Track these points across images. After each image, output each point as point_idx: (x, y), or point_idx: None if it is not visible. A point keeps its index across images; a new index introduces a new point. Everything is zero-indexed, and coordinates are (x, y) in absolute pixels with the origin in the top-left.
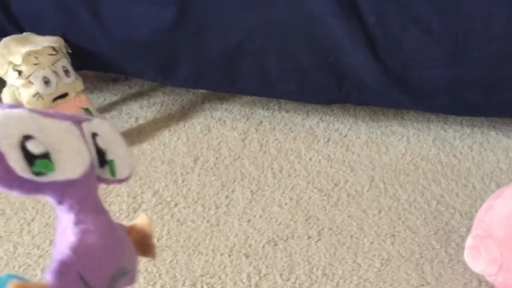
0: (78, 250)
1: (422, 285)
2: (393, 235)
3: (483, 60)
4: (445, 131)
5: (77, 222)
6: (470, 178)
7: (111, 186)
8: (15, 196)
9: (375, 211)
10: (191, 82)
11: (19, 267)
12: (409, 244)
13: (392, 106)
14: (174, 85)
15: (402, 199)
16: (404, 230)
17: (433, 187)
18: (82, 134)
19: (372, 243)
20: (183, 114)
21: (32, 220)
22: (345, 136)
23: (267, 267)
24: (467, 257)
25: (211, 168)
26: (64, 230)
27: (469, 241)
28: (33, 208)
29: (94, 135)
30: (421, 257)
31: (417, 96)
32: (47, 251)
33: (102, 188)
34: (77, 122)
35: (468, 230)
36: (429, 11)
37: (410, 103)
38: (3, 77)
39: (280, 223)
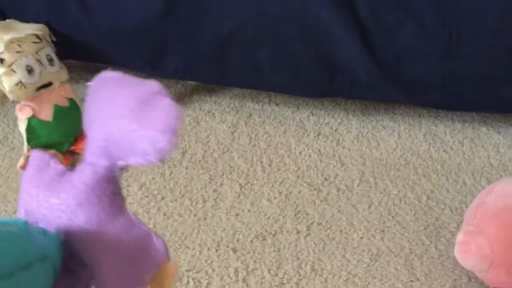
0: None
1: (412, 280)
2: (383, 230)
3: (477, 55)
4: (436, 126)
5: None
6: (460, 174)
7: None
8: None
9: (365, 206)
10: (180, 73)
11: None
12: (399, 240)
13: (384, 100)
14: (163, 76)
15: (392, 194)
16: (394, 225)
17: (423, 182)
18: None
19: (361, 238)
20: None
21: (14, 212)
22: (335, 130)
23: (255, 262)
24: (458, 253)
25: (199, 161)
26: None
27: (459, 237)
28: (15, 200)
29: None
30: (411, 252)
31: (410, 91)
32: None
33: None
34: None
35: (458, 225)
36: (423, 4)
37: (402, 98)
38: None
39: (268, 218)
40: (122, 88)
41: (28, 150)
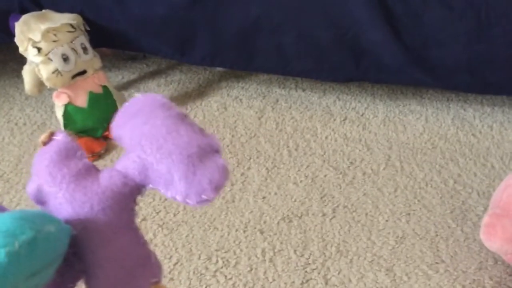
0: None
1: (437, 263)
2: (409, 214)
3: (506, 37)
4: (464, 110)
5: None
6: (489, 158)
7: None
8: None
9: (390, 189)
10: (208, 60)
11: None
12: (425, 223)
13: (411, 84)
14: (192, 63)
15: (418, 178)
16: (420, 208)
17: (450, 166)
18: None
19: (387, 221)
20: (200, 92)
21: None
22: (362, 115)
23: (281, 243)
24: (483, 235)
25: (227, 146)
26: None
27: (485, 219)
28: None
29: None
30: (437, 235)
31: (437, 74)
32: None
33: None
34: None
35: (485, 209)
36: None
37: (429, 81)
38: (23, 54)
39: (295, 200)
40: (187, 129)
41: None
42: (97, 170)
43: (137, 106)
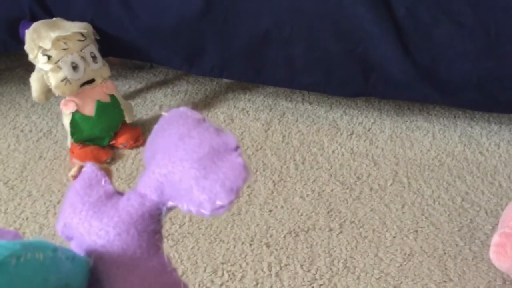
0: None
1: (445, 281)
2: (416, 231)
3: None
4: (471, 127)
5: None
6: (496, 176)
7: (134, 172)
8: (42, 178)
9: (398, 205)
10: (217, 71)
11: None
12: (432, 240)
13: (418, 100)
14: (200, 74)
15: (426, 195)
16: (428, 226)
17: (458, 183)
18: None
19: (394, 237)
20: (206, 103)
21: (58, 202)
22: (368, 130)
23: (287, 257)
24: (493, 254)
25: None
26: None
27: (495, 238)
28: (59, 191)
29: None
30: (445, 253)
31: (445, 91)
32: None
33: (125, 173)
34: None
35: (494, 228)
36: (461, 2)
37: (437, 98)
38: (32, 61)
39: (301, 214)
40: (199, 131)
41: (71, 144)
42: (119, 195)
43: (160, 124)
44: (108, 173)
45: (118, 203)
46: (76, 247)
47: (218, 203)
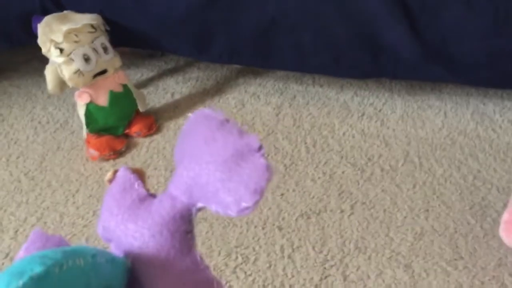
0: None
1: (456, 259)
2: (427, 210)
3: None
4: (484, 104)
5: None
6: (509, 153)
7: (149, 160)
8: (60, 169)
9: (409, 185)
10: (225, 58)
11: (65, 235)
12: (444, 219)
13: (429, 79)
14: (209, 61)
15: (437, 174)
16: (439, 205)
17: (470, 162)
18: None
19: (405, 217)
20: (217, 89)
21: (77, 191)
22: (379, 111)
23: (300, 239)
24: (503, 232)
25: None
26: None
27: (505, 216)
28: (77, 180)
29: None
30: (456, 232)
31: (456, 70)
32: (90, 221)
33: (140, 161)
34: None
35: (505, 205)
36: None
37: (448, 77)
38: (46, 55)
39: (313, 197)
40: (222, 134)
41: (87, 134)
42: (152, 197)
43: (186, 126)
44: (141, 175)
45: (151, 206)
46: (115, 249)
47: (244, 204)
